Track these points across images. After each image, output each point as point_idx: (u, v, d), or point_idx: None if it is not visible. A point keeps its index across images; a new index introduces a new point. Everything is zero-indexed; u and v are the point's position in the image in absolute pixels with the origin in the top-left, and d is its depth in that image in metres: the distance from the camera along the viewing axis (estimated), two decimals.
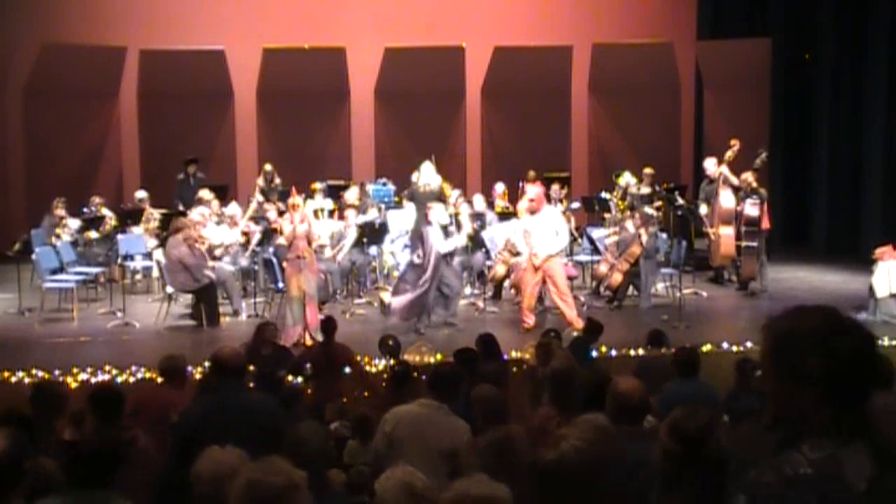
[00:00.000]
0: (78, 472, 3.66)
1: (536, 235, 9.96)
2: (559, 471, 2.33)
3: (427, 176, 11.12)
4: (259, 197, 13.01)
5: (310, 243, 9.62)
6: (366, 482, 4.59)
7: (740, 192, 11.87)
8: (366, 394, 7.81)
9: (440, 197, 11.19)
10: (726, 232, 11.88)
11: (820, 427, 1.94)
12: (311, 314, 9.49)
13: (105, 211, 12.90)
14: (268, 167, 14.43)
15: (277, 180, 14.33)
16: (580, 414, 3.11)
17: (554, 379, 4.74)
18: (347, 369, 7.95)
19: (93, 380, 8.36)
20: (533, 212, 10.08)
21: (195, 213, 11.17)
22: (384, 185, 14.10)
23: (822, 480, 1.89)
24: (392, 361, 8.15)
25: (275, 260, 10.63)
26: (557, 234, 9.99)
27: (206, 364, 5.69)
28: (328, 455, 3.85)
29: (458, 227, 11.20)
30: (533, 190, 10.50)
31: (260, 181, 14.13)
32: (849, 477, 1.88)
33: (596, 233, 12.39)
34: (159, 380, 6.22)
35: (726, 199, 11.91)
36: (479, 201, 13.05)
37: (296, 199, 9.88)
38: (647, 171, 14.02)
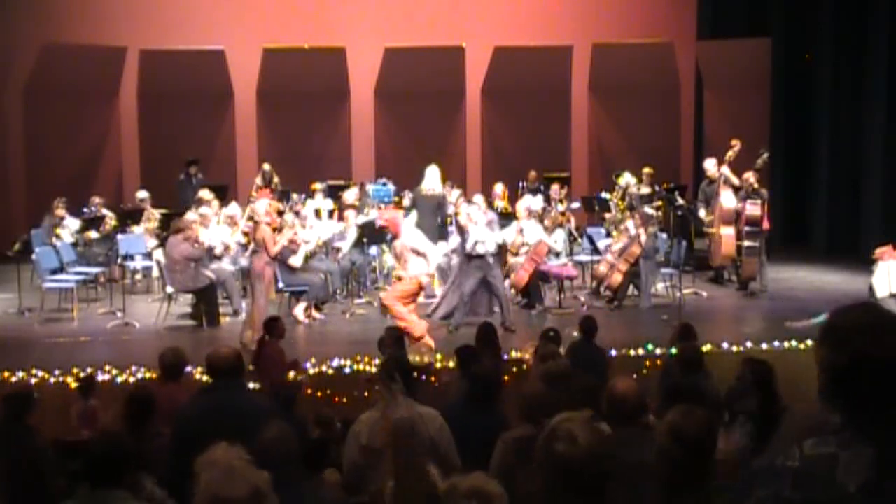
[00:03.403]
0: (92, 473, 3.67)
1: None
2: (579, 463, 2.36)
3: (431, 180, 11.14)
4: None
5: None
6: (365, 482, 4.58)
7: (740, 192, 11.88)
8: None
9: (441, 202, 11.19)
10: (727, 232, 11.89)
11: (832, 424, 1.93)
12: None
13: (105, 211, 12.91)
14: (266, 167, 14.46)
15: (276, 179, 14.34)
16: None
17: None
18: None
19: None
20: (394, 235, 9.44)
21: (195, 213, 11.18)
22: (384, 185, 14.11)
23: (807, 477, 1.87)
24: None
25: None
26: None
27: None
28: (294, 456, 3.81)
29: (459, 227, 11.20)
30: (388, 214, 9.86)
31: (258, 181, 14.14)
32: (840, 478, 1.84)
33: (601, 242, 12.36)
34: (156, 374, 6.23)
35: (727, 200, 11.91)
36: (478, 201, 13.03)
37: (276, 203, 10.00)
38: (647, 171, 14.02)
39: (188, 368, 8.13)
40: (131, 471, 3.88)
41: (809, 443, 1.92)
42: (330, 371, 8.72)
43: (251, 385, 7.52)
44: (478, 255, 9.95)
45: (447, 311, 10.20)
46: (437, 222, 11.20)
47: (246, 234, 11.69)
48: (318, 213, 12.75)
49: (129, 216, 12.98)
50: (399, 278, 9.55)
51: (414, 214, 11.27)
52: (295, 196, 13.27)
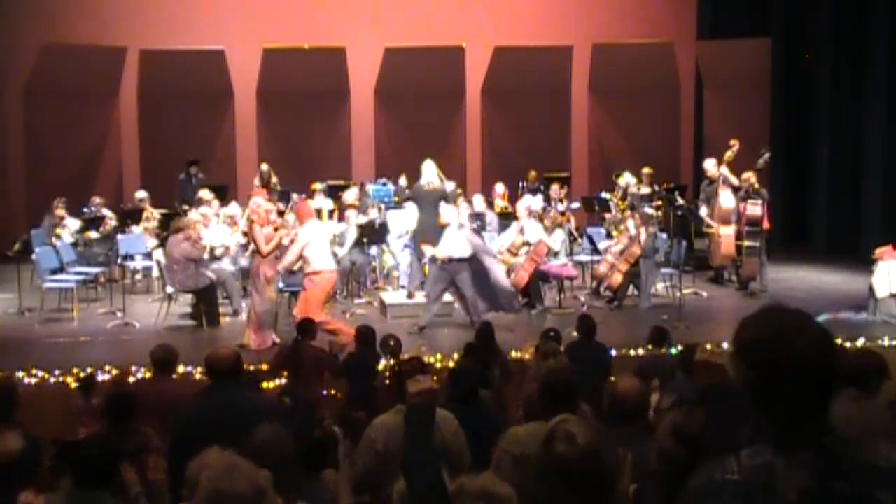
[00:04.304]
0: (79, 473, 3.68)
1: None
2: (578, 463, 2.36)
3: (428, 175, 11.15)
4: None
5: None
6: (366, 482, 4.58)
7: (740, 192, 11.88)
8: None
9: (444, 196, 11.19)
10: (726, 232, 11.89)
11: (766, 433, 1.91)
12: None
13: (105, 211, 12.91)
14: (264, 167, 14.45)
15: (275, 179, 14.33)
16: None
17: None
18: None
19: None
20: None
21: (196, 213, 11.18)
22: (384, 185, 14.10)
23: (749, 488, 1.85)
24: (392, 361, 8.14)
25: None
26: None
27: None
28: (287, 457, 3.81)
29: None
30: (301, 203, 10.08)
31: (256, 181, 14.14)
32: (779, 486, 1.83)
33: (601, 242, 12.36)
34: (150, 371, 6.26)
35: (726, 200, 11.92)
36: (478, 201, 13.05)
37: (267, 204, 10.01)
38: (647, 171, 14.01)
39: (189, 368, 8.19)
40: (118, 473, 3.89)
41: (745, 453, 1.90)
42: None
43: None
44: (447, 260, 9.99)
45: (477, 309, 10.05)
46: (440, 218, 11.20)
47: (245, 234, 11.69)
48: (318, 213, 12.74)
49: (129, 216, 12.98)
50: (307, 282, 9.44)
51: (415, 210, 11.27)
52: (295, 196, 13.27)
